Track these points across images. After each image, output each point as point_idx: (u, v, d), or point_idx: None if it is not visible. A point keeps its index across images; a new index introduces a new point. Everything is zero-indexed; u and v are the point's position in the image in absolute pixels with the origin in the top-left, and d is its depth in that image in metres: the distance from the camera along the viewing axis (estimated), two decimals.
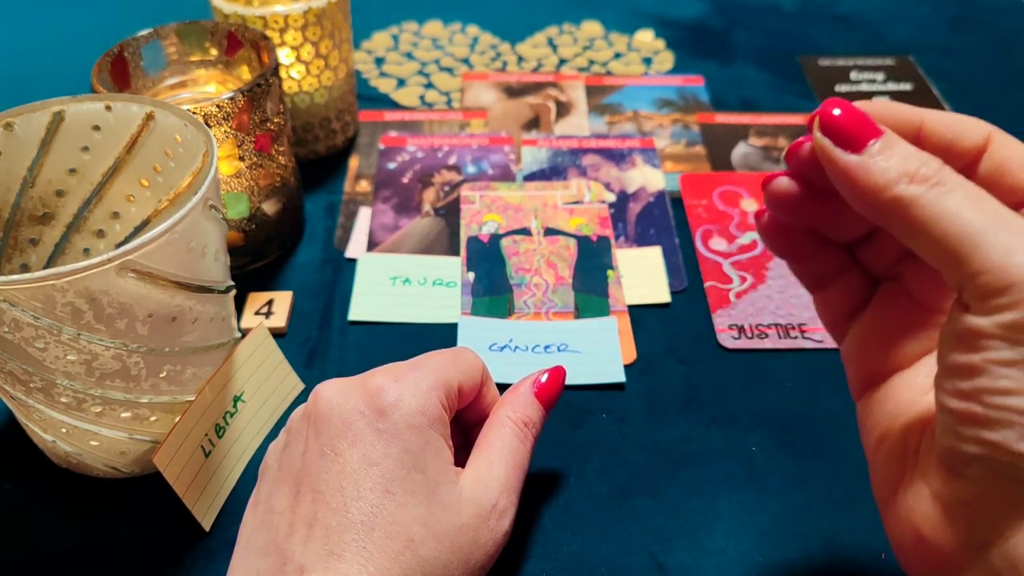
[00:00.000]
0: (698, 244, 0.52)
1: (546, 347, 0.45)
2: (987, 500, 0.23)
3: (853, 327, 0.29)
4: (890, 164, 0.23)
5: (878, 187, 0.23)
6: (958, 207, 0.22)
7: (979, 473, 0.23)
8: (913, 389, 0.27)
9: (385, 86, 0.67)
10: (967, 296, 0.22)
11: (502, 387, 0.37)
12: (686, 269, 0.50)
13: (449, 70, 0.69)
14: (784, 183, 0.28)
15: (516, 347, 0.45)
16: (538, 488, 0.38)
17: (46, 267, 0.40)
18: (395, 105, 0.65)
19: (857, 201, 0.24)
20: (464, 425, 0.36)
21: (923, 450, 0.25)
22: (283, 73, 0.53)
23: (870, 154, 0.24)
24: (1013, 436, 0.21)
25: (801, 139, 0.27)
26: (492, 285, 0.49)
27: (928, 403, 0.26)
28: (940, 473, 0.24)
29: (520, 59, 0.71)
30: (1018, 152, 0.25)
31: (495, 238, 0.52)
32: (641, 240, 0.52)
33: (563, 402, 0.42)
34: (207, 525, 0.36)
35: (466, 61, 0.70)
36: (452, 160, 0.58)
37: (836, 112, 0.24)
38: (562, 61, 0.71)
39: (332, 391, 0.31)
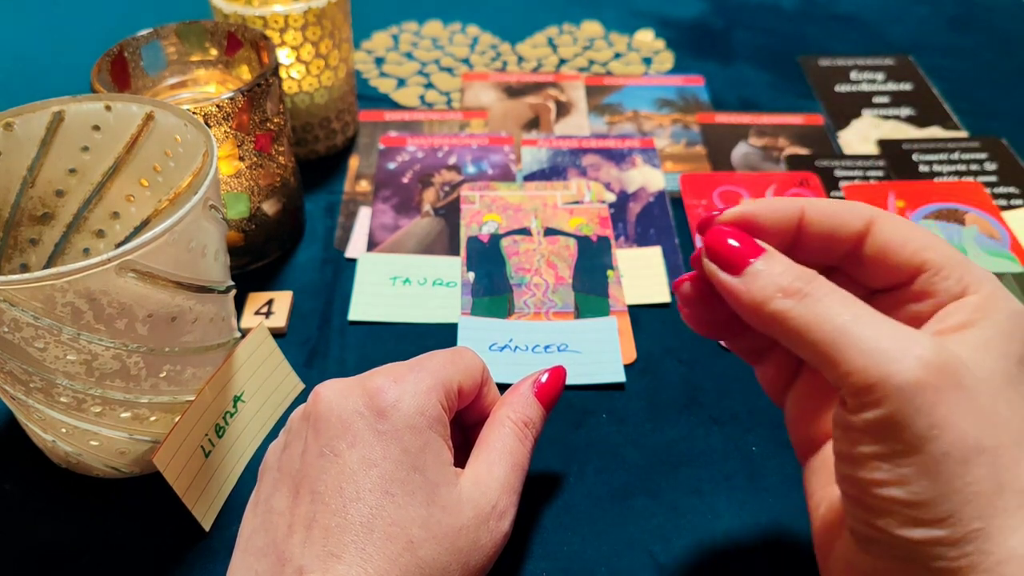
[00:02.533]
0: (698, 244, 0.51)
1: (546, 347, 0.45)
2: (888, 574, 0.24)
3: (790, 396, 0.31)
4: (766, 282, 0.25)
5: (756, 304, 0.25)
6: (826, 315, 0.24)
7: (879, 551, 0.24)
8: None
9: (385, 86, 0.67)
10: (842, 394, 0.24)
11: (502, 387, 0.37)
12: (686, 269, 0.50)
13: (449, 70, 0.69)
14: (689, 288, 0.30)
15: (516, 347, 0.45)
16: (538, 488, 0.38)
17: (46, 267, 0.40)
18: (395, 105, 0.65)
19: (743, 316, 0.26)
20: (464, 425, 0.36)
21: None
22: (283, 73, 0.53)
23: (749, 274, 0.26)
24: (893, 523, 0.23)
25: (697, 251, 0.28)
26: (492, 285, 0.49)
27: None
28: (852, 545, 0.25)
29: (520, 59, 0.71)
30: (899, 232, 0.27)
31: (495, 238, 0.52)
32: (641, 240, 0.52)
33: (563, 402, 0.42)
34: (207, 525, 0.36)
35: (466, 61, 0.70)
36: (452, 160, 0.58)
37: (716, 239, 0.27)
38: (562, 61, 0.71)
39: (332, 392, 0.31)
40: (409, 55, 0.72)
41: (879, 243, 0.27)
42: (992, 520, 0.22)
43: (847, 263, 0.28)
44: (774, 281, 0.25)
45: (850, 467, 0.24)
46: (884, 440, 0.23)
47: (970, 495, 0.22)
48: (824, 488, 0.29)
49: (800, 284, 0.25)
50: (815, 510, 0.29)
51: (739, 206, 0.28)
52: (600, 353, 0.44)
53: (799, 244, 0.28)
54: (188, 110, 0.39)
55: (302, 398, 0.42)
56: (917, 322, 0.26)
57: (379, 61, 0.71)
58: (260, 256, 0.50)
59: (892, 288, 0.27)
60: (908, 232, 0.27)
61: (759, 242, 0.26)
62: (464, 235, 0.52)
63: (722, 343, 0.32)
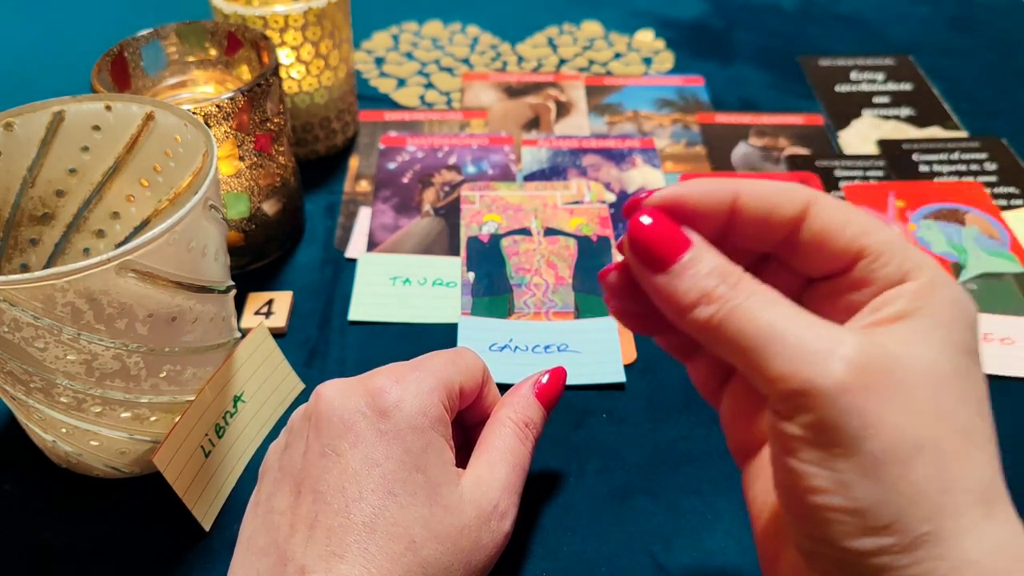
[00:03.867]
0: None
1: (546, 347, 0.45)
2: None
3: (724, 397, 0.29)
4: (690, 284, 0.24)
5: (680, 308, 0.24)
6: (750, 319, 0.22)
7: (826, 566, 0.23)
8: None
9: (385, 86, 0.67)
10: (772, 402, 0.22)
11: (502, 387, 0.37)
12: None
13: (449, 70, 0.69)
14: (615, 279, 0.28)
15: (516, 347, 0.45)
16: (538, 488, 0.38)
17: (46, 267, 0.40)
18: (395, 105, 0.65)
19: (667, 316, 0.25)
20: (465, 425, 0.36)
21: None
22: (283, 73, 0.53)
23: (673, 274, 0.24)
24: (837, 533, 0.21)
25: (622, 239, 0.26)
26: (492, 285, 0.49)
27: None
28: (799, 561, 0.24)
29: (520, 59, 0.71)
30: (837, 216, 0.25)
31: (495, 238, 0.52)
32: None
33: (563, 402, 0.42)
34: (207, 525, 0.36)
35: (466, 61, 0.70)
36: (452, 160, 0.58)
37: (641, 227, 0.24)
38: (562, 61, 0.71)
39: (333, 391, 0.31)
40: (409, 55, 0.72)
41: (816, 228, 0.25)
42: (942, 522, 0.21)
43: (783, 249, 0.26)
44: (698, 284, 0.23)
45: (787, 476, 0.22)
46: (818, 446, 0.21)
47: (915, 496, 0.21)
48: (766, 495, 0.27)
49: (724, 288, 0.23)
50: (757, 519, 0.27)
51: (669, 187, 0.25)
52: (600, 353, 0.44)
53: (732, 228, 0.26)
54: (188, 110, 0.39)
55: (302, 398, 0.42)
56: (855, 311, 0.24)
57: (379, 61, 0.71)
58: (260, 256, 0.50)
59: (830, 276, 0.25)
60: (846, 216, 0.24)
61: (687, 232, 0.25)
62: (464, 235, 0.52)
63: (654, 339, 0.30)
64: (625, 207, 0.26)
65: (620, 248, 0.26)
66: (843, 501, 0.21)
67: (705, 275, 0.24)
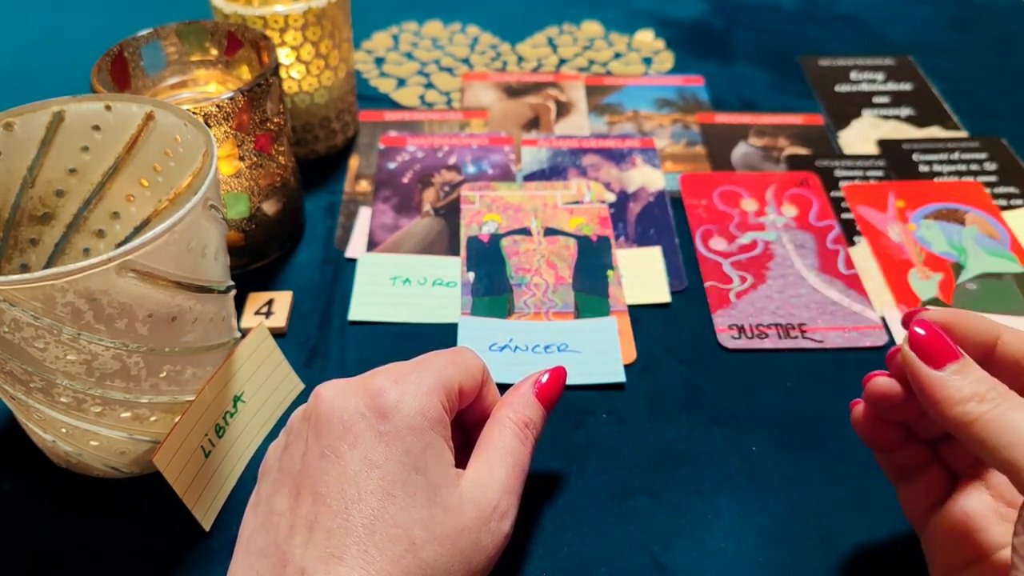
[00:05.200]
0: (698, 244, 0.52)
1: (546, 347, 0.45)
2: None
3: (932, 519, 0.32)
4: (964, 384, 0.27)
5: (952, 401, 0.27)
6: (1016, 422, 0.26)
7: None
8: None
9: (385, 86, 0.67)
10: None
11: (502, 387, 0.37)
12: (686, 269, 0.50)
13: (449, 70, 0.69)
14: (884, 382, 0.31)
15: (516, 347, 0.45)
16: (538, 488, 0.38)
17: (46, 267, 0.40)
18: (395, 105, 0.65)
19: (933, 411, 0.28)
20: (464, 426, 0.36)
21: None
22: (283, 73, 0.53)
23: (950, 371, 0.28)
24: None
25: (893, 349, 0.31)
26: (492, 285, 0.49)
27: None
28: None
29: (520, 59, 0.71)
30: None
31: (495, 238, 0.52)
32: (641, 240, 0.52)
33: (563, 402, 0.42)
34: (207, 525, 0.36)
35: (466, 61, 0.70)
36: (452, 160, 0.58)
37: (921, 332, 0.29)
38: (562, 61, 0.71)
39: (333, 392, 0.31)
40: (409, 55, 0.72)
41: None
42: None
43: None
44: (972, 386, 0.27)
45: None
46: None
47: None
48: None
49: (994, 394, 0.27)
50: None
51: (942, 310, 0.30)
52: (600, 353, 0.44)
53: (990, 365, 0.29)
54: (188, 110, 0.39)
55: (302, 398, 0.42)
56: None
57: (379, 61, 0.71)
58: (260, 256, 0.50)
59: None
60: None
61: (957, 348, 0.28)
62: (464, 235, 0.52)
63: (877, 456, 0.34)
64: (904, 317, 0.31)
65: (889, 358, 0.31)
66: None
67: (978, 379, 0.27)
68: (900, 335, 0.45)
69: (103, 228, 0.41)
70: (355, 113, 0.60)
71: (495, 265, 0.50)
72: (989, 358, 0.30)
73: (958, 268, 0.50)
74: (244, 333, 0.40)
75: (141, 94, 0.47)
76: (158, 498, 0.37)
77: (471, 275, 0.49)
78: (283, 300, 0.47)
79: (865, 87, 0.67)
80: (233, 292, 0.38)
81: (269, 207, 0.48)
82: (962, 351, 0.28)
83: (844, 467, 0.39)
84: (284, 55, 0.52)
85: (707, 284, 0.49)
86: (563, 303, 0.47)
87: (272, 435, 0.41)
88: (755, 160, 0.59)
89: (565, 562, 0.35)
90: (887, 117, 0.63)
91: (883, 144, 0.60)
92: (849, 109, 0.64)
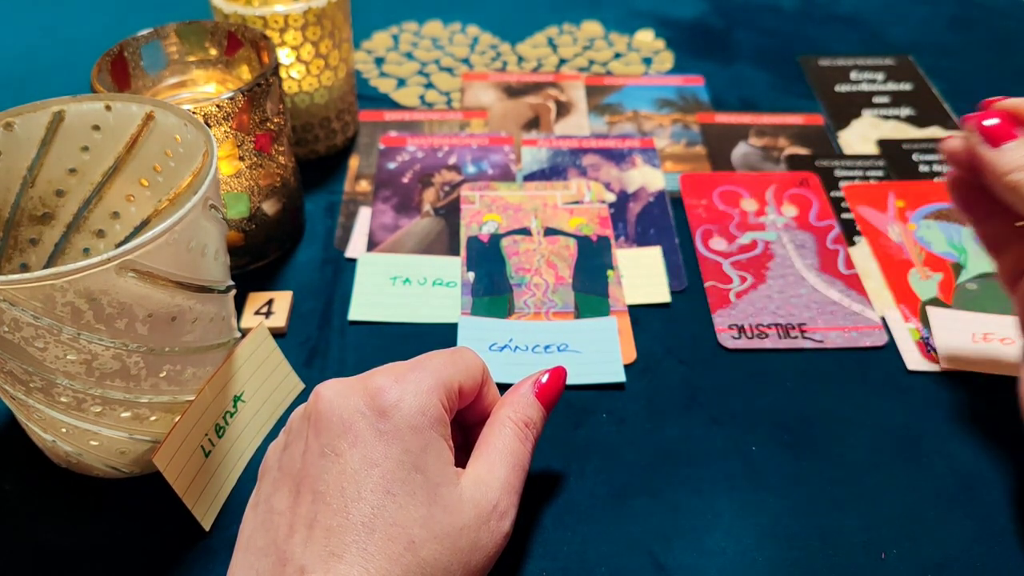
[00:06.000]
0: (698, 244, 0.52)
1: (546, 347, 0.45)
2: None
3: (1019, 284, 0.37)
4: (1012, 157, 0.33)
5: (1001, 172, 0.34)
6: None
7: None
8: None
9: (385, 86, 0.67)
10: None
11: (502, 387, 0.37)
12: (686, 269, 0.50)
13: (449, 70, 0.69)
14: (955, 142, 0.37)
15: (516, 347, 0.45)
16: (538, 488, 0.38)
17: (46, 267, 0.40)
18: (395, 105, 0.65)
19: (988, 181, 0.34)
20: (464, 425, 0.36)
21: None
22: (283, 73, 0.53)
23: (1002, 151, 0.34)
24: None
25: (966, 117, 0.36)
26: (492, 285, 0.49)
27: None
28: None
29: (520, 59, 0.71)
30: None
31: (495, 238, 0.52)
32: (641, 240, 0.52)
33: (563, 402, 0.42)
34: (207, 525, 0.36)
35: (466, 61, 0.70)
36: (452, 160, 0.58)
37: (985, 123, 0.35)
38: (562, 61, 0.71)
39: (333, 391, 0.31)
40: (409, 55, 0.72)
41: None
42: None
43: None
44: (1019, 158, 0.33)
45: None
46: None
47: None
48: None
49: None
50: None
51: (1013, 100, 0.35)
52: (600, 353, 0.44)
53: None
54: (188, 110, 0.39)
55: (302, 398, 0.42)
56: None
57: (379, 61, 0.71)
58: (260, 256, 0.50)
59: None
60: None
61: (1018, 131, 0.34)
62: (464, 235, 0.52)
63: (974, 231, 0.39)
64: (980, 105, 0.37)
65: (964, 122, 0.36)
66: None
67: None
68: (900, 335, 0.46)
69: (103, 228, 0.41)
70: (355, 113, 0.60)
71: (495, 265, 0.50)
72: None
73: (958, 268, 0.50)
74: (244, 333, 0.40)
75: (141, 94, 0.47)
76: (158, 498, 0.37)
77: (471, 275, 0.49)
78: (283, 300, 0.47)
79: (865, 87, 0.67)
80: (233, 292, 0.38)
81: (269, 207, 0.48)
82: (1020, 134, 0.34)
83: (844, 467, 0.39)
84: (284, 55, 0.52)
85: (707, 284, 0.49)
86: (563, 303, 0.47)
87: (272, 435, 0.41)
88: (755, 160, 0.59)
89: (565, 562, 0.35)
90: (887, 117, 0.63)
91: (883, 144, 0.60)
92: (849, 109, 0.64)
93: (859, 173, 0.57)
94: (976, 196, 0.37)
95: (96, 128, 0.38)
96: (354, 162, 0.59)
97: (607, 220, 0.53)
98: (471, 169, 0.57)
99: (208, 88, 0.50)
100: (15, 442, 0.40)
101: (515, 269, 0.49)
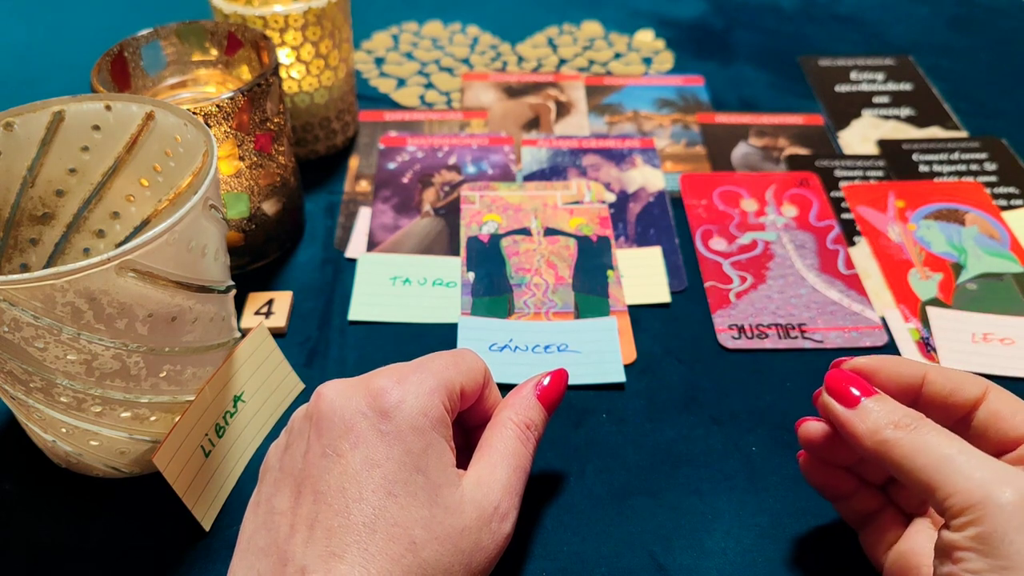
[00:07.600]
0: (698, 244, 0.52)
1: (546, 347, 0.45)
2: None
3: (888, 559, 0.33)
4: (878, 416, 0.29)
5: (868, 433, 0.29)
6: (930, 445, 0.27)
7: None
8: None
9: (385, 86, 0.67)
10: (945, 516, 0.26)
11: (502, 387, 0.37)
12: (686, 269, 0.50)
13: (449, 70, 0.69)
14: (813, 426, 0.33)
15: (516, 347, 0.45)
16: (538, 488, 0.38)
17: (46, 267, 0.40)
18: (395, 105, 0.65)
19: (855, 445, 0.30)
20: (466, 427, 0.36)
21: None
22: (283, 73, 0.53)
23: (862, 409, 0.30)
24: None
25: (816, 392, 0.32)
26: (492, 285, 0.49)
27: None
28: None
29: (520, 59, 0.71)
30: (1009, 404, 0.30)
31: (495, 238, 0.52)
32: (641, 240, 0.52)
33: (563, 402, 0.42)
34: (207, 525, 0.36)
35: (466, 61, 0.70)
36: (452, 160, 0.58)
37: (834, 379, 0.31)
38: (562, 61, 0.71)
39: (334, 392, 0.31)
40: (409, 55, 0.72)
41: (990, 411, 0.30)
42: None
43: (957, 429, 0.30)
44: (885, 415, 0.29)
45: None
46: (984, 554, 0.25)
47: None
48: None
49: (908, 420, 0.28)
50: None
51: (866, 359, 0.32)
52: (600, 353, 0.44)
53: (919, 406, 0.31)
54: (188, 110, 0.39)
55: (302, 398, 0.42)
56: None
57: (379, 61, 0.71)
58: (260, 256, 0.50)
59: (995, 455, 0.29)
60: (1018, 405, 0.30)
61: (872, 388, 0.30)
62: (464, 235, 0.52)
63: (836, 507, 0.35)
64: (826, 376, 0.32)
65: (815, 401, 0.32)
66: None
67: (892, 409, 0.29)
68: (900, 335, 0.46)
69: (103, 228, 0.41)
70: (355, 113, 0.60)
71: (495, 265, 0.50)
72: (917, 399, 0.31)
73: (958, 268, 0.50)
74: (244, 333, 0.40)
75: (141, 94, 0.47)
76: (158, 498, 0.37)
77: (471, 275, 0.49)
78: (283, 300, 0.47)
79: (865, 87, 0.67)
80: (233, 292, 0.38)
81: (269, 207, 0.48)
82: (877, 390, 0.30)
83: None
84: (284, 55, 0.52)
85: (707, 284, 0.49)
86: (563, 303, 0.47)
87: (272, 435, 0.41)
88: (755, 160, 0.59)
89: (565, 562, 0.35)
90: (887, 117, 0.63)
91: (883, 144, 0.60)
92: (849, 109, 0.64)
93: (859, 173, 0.57)
94: (836, 475, 0.34)
95: (96, 128, 0.38)
96: (354, 162, 0.59)
97: (607, 220, 0.53)
98: (471, 169, 0.57)
99: (208, 88, 0.50)
100: (15, 442, 0.40)
101: (515, 269, 0.49)
